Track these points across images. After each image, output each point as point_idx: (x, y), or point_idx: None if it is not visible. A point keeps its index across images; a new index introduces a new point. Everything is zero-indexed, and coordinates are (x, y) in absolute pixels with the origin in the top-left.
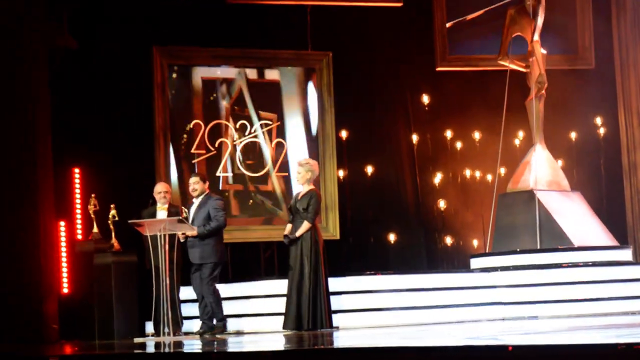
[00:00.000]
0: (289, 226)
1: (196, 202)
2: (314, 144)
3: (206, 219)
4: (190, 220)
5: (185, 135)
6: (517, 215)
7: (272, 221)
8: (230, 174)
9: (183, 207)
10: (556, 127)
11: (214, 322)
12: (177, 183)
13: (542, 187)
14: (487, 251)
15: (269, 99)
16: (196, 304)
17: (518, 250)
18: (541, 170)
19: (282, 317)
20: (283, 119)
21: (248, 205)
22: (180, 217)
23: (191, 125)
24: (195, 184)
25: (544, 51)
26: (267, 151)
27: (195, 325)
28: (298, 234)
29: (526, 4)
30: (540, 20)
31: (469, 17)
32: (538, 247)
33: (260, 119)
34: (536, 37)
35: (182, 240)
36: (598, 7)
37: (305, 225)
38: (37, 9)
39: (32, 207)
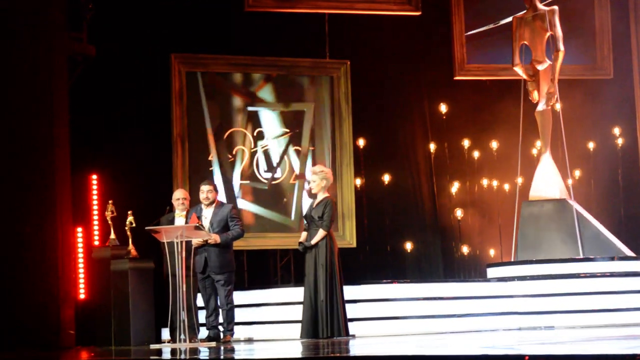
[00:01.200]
0: (304, 234)
1: (208, 210)
2: (332, 153)
3: (224, 227)
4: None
5: (203, 142)
6: (546, 223)
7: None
8: (247, 182)
9: (194, 212)
10: (574, 137)
11: (221, 329)
12: (195, 190)
13: (565, 196)
14: (513, 259)
15: (287, 106)
16: None
17: (534, 260)
18: (559, 180)
19: (298, 325)
20: (301, 127)
21: (263, 218)
22: (198, 224)
23: (209, 133)
24: (209, 192)
25: (548, 62)
26: (285, 159)
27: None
28: (313, 241)
29: (539, 14)
30: (559, 30)
31: (487, 27)
32: (582, 256)
33: (278, 127)
34: (562, 47)
35: (195, 246)
36: (617, 17)
37: (321, 234)
38: (57, 17)
39: (50, 213)
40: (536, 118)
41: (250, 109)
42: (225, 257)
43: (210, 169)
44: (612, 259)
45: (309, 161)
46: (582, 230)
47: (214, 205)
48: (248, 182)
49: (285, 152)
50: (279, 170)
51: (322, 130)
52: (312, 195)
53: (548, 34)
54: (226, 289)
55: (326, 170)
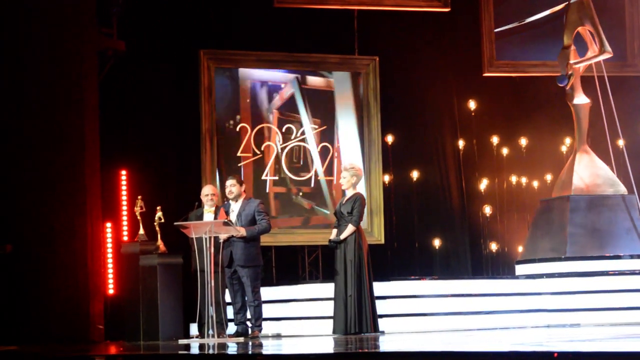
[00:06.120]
0: (334, 231)
1: (236, 205)
2: (360, 149)
3: (251, 222)
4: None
5: (231, 138)
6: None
7: (310, 221)
8: (276, 178)
9: (223, 207)
10: (604, 134)
11: (249, 325)
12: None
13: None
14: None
15: (315, 102)
16: None
17: (563, 257)
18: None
19: (326, 321)
20: (329, 123)
21: (287, 206)
22: (226, 220)
23: (237, 129)
24: (232, 186)
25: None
26: (313, 155)
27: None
28: (342, 237)
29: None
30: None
31: (517, 24)
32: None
33: (306, 123)
34: (608, 48)
35: (220, 241)
36: None
37: (350, 229)
38: (87, 14)
39: (80, 208)
40: (573, 110)
41: (278, 105)
42: (250, 251)
43: (239, 164)
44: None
45: (338, 158)
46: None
47: (242, 199)
48: (276, 178)
49: (313, 148)
50: (307, 166)
51: (351, 126)
52: (342, 192)
53: (579, 27)
54: (253, 285)
55: (357, 167)
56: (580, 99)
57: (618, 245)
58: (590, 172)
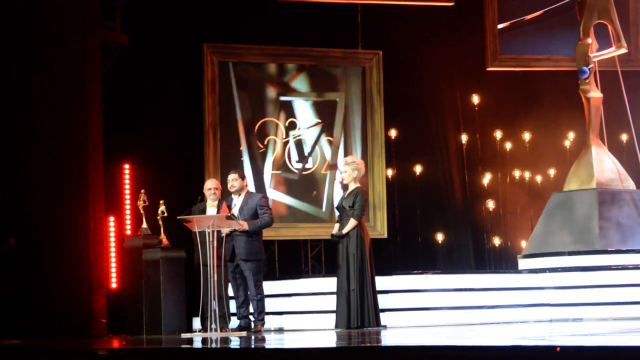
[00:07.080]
0: (336, 225)
1: (238, 199)
2: (363, 143)
3: (253, 216)
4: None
5: (234, 132)
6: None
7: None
8: (279, 172)
9: (225, 202)
10: (608, 129)
11: (253, 319)
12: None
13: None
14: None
15: (320, 96)
16: None
17: (567, 252)
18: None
19: (328, 315)
20: (333, 117)
21: (294, 208)
22: (229, 214)
23: (241, 122)
24: (234, 180)
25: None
26: (316, 149)
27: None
28: (344, 231)
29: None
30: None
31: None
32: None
33: (310, 117)
34: (624, 43)
35: (223, 235)
36: None
37: (352, 223)
38: (91, 7)
39: (83, 202)
40: (588, 104)
41: (282, 99)
42: (253, 245)
43: (242, 158)
44: None
45: (341, 152)
46: None
47: (244, 194)
48: (279, 172)
49: (316, 142)
50: (310, 160)
51: (354, 120)
52: (344, 186)
53: (596, 21)
54: (255, 279)
55: (358, 161)
56: (594, 92)
57: (637, 239)
58: (606, 166)
